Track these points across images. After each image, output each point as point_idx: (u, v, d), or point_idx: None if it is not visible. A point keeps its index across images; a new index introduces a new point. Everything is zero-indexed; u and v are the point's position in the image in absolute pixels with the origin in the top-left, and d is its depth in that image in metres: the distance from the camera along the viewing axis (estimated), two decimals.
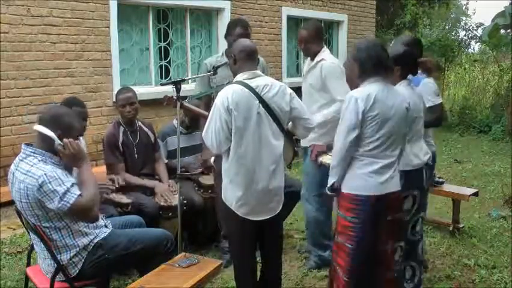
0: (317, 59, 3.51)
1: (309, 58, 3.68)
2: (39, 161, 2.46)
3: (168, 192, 3.74)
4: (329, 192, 2.66)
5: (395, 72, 2.86)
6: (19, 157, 2.52)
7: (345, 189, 2.61)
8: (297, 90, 3.30)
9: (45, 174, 2.39)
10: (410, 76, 2.98)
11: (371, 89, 2.53)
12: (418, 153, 2.94)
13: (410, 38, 3.53)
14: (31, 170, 2.41)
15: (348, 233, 2.60)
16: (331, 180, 2.62)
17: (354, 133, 2.50)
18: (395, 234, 2.70)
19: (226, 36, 3.73)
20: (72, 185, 2.44)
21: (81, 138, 3.51)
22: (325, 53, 3.55)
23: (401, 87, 2.83)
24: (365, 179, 2.54)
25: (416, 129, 2.90)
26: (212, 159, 3.74)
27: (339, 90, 3.28)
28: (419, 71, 3.16)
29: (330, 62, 3.46)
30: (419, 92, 3.05)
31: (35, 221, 2.48)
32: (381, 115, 2.50)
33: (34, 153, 2.48)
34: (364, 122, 2.50)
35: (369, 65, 2.56)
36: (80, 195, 2.44)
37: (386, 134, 2.53)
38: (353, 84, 2.67)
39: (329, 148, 3.16)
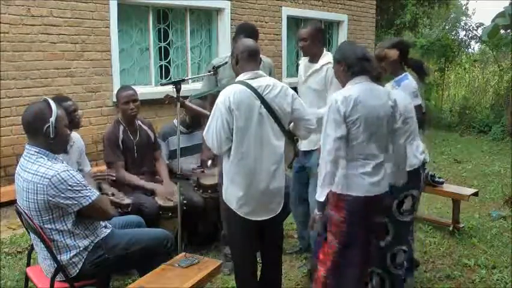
0: (321, 62, 3.46)
1: (306, 60, 3.64)
2: (46, 160, 2.43)
3: (170, 196, 3.73)
4: (317, 213, 2.54)
5: (393, 56, 3.02)
6: (24, 157, 2.49)
7: (336, 189, 2.54)
8: (297, 90, 3.30)
9: (58, 173, 2.38)
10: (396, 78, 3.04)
11: (353, 90, 2.50)
12: (415, 152, 2.95)
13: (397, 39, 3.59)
14: (40, 169, 2.39)
15: (336, 232, 2.57)
16: (324, 190, 2.46)
17: (340, 130, 2.44)
18: (376, 235, 2.74)
19: (234, 38, 3.70)
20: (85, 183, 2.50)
21: (78, 136, 3.52)
22: (328, 56, 3.53)
23: (391, 89, 2.85)
24: (357, 180, 2.51)
25: (411, 130, 2.90)
26: (209, 162, 3.72)
27: None
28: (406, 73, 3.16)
29: None
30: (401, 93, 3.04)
31: (39, 221, 2.46)
32: (363, 117, 2.46)
33: (39, 152, 2.45)
34: (347, 124, 2.46)
35: (354, 63, 2.53)
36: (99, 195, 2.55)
37: (372, 135, 2.50)
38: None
39: None
